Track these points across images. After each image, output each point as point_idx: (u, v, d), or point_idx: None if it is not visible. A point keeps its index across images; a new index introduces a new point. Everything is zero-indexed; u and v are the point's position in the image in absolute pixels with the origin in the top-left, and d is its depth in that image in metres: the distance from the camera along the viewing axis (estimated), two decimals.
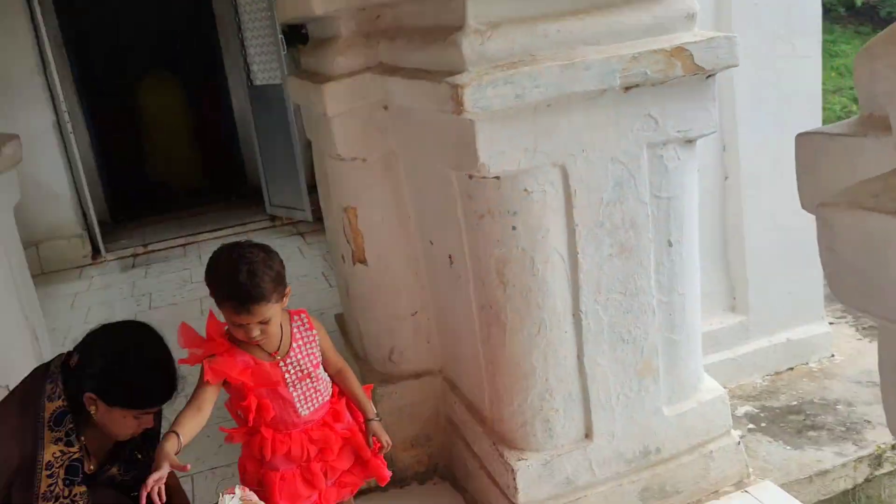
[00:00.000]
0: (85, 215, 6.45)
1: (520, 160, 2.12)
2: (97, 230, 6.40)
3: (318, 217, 6.22)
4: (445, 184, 2.38)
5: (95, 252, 6.44)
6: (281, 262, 2.09)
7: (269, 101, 6.25)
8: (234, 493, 1.55)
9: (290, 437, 2.19)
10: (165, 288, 5.52)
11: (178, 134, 8.17)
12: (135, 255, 6.41)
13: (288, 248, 5.90)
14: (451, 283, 2.57)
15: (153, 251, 6.45)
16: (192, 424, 2.04)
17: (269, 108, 6.26)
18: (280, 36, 5.80)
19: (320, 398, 2.21)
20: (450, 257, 2.51)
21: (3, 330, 2.64)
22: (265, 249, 2.08)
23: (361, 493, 2.52)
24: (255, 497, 1.62)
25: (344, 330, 3.43)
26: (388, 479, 2.37)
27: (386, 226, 2.76)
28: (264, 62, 6.29)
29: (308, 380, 2.17)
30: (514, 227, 2.20)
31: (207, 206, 7.46)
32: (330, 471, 2.27)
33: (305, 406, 2.18)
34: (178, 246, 6.48)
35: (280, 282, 2.05)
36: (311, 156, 6.27)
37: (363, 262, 2.83)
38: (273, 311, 2.04)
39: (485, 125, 2.05)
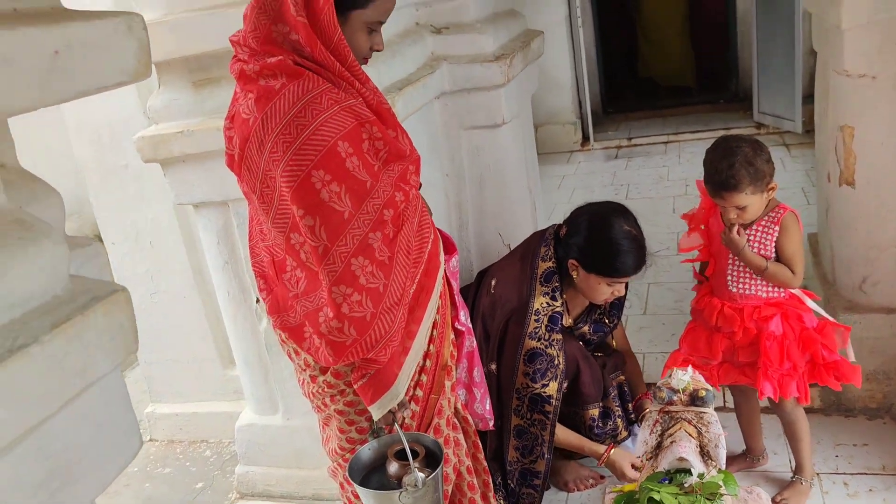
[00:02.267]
0: (580, 104, 7.03)
1: None
2: (589, 119, 6.94)
3: (807, 130, 5.91)
4: None
5: (585, 139, 7.01)
6: (767, 159, 2.21)
7: (776, 4, 5.97)
8: (686, 369, 1.75)
9: (709, 299, 2.42)
10: (643, 181, 5.82)
11: (675, 31, 8.20)
12: (619, 147, 6.82)
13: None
14: None
15: (636, 145, 6.78)
16: None
17: (775, 10, 5.98)
18: None
19: (755, 287, 2.32)
20: None
21: (514, 201, 3.18)
22: (754, 145, 2.21)
23: (807, 409, 2.55)
24: (702, 379, 1.80)
25: (815, 251, 3.34)
26: (767, 395, 2.29)
27: (884, 149, 2.60)
28: None
29: None
30: None
31: (693, 106, 7.50)
32: (733, 353, 2.39)
33: (735, 283, 2.34)
34: (659, 143, 6.70)
35: (758, 177, 2.17)
36: (813, 65, 5.93)
37: (850, 183, 2.72)
38: (749, 201, 2.20)
39: None
